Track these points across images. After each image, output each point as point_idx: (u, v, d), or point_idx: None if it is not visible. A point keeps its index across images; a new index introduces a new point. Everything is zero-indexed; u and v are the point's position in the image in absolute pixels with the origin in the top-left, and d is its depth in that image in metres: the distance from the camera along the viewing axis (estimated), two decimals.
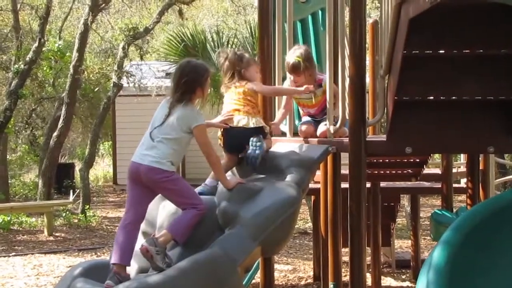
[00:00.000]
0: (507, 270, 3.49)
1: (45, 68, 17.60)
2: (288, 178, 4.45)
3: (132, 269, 4.35)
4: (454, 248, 3.40)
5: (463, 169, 8.11)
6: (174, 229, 4.22)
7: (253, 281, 7.87)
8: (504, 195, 3.91)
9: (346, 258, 6.37)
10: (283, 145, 5.14)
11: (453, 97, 4.09)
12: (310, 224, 13.49)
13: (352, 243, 4.64)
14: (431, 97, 4.12)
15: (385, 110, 4.62)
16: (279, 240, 4.31)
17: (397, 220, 10.09)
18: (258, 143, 4.61)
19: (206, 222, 4.27)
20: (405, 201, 11.43)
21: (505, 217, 3.59)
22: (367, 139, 4.48)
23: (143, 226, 4.55)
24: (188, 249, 4.14)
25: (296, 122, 5.81)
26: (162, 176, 4.27)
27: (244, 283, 6.34)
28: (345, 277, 6.76)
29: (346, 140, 4.56)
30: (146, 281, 3.92)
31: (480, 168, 6.51)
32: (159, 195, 4.51)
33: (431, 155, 7.30)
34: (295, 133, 5.54)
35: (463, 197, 8.24)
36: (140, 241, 4.54)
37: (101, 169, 23.18)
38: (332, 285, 6.00)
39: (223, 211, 4.26)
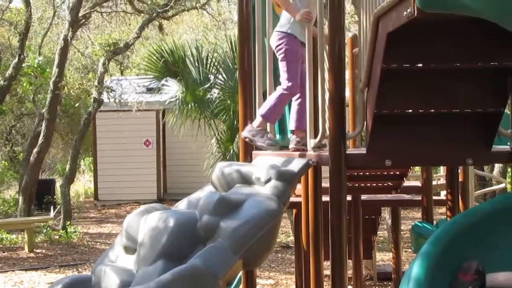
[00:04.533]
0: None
1: (25, 84, 17.55)
2: (269, 191, 4.47)
3: (113, 284, 4.34)
4: (434, 260, 3.43)
5: (443, 181, 8.17)
6: (262, 109, 4.95)
7: None
8: (483, 206, 3.95)
9: (328, 272, 6.35)
10: (263, 158, 5.16)
11: (432, 110, 4.14)
12: (292, 238, 13.50)
13: (333, 256, 4.66)
14: (410, 111, 4.17)
15: (365, 124, 4.66)
16: (260, 253, 4.31)
17: (378, 233, 10.14)
18: None
19: (187, 235, 4.27)
20: (386, 214, 11.49)
21: (484, 227, 3.63)
22: (347, 152, 4.51)
23: (124, 240, 4.55)
24: (170, 262, 4.13)
25: (277, 136, 5.83)
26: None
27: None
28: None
29: (326, 153, 4.59)
30: None
31: (460, 180, 6.56)
32: (140, 209, 4.56)
33: (411, 167, 7.36)
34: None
35: (443, 209, 8.32)
36: (121, 256, 4.54)
37: (82, 184, 23.07)
38: None
39: (204, 225, 4.26)
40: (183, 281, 3.92)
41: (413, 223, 5.82)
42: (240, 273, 6.84)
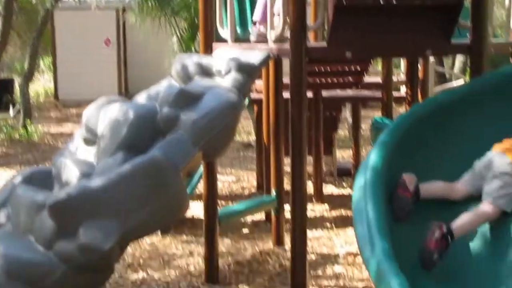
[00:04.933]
0: (443, 167, 3.59)
1: None
2: (229, 83, 4.45)
3: (73, 176, 4.34)
4: (391, 148, 3.48)
5: (403, 77, 8.22)
6: None
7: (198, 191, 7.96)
8: (441, 96, 3.99)
9: (288, 168, 6.47)
10: (223, 51, 5.11)
11: (393, 2, 4.12)
12: (254, 138, 13.59)
13: (293, 152, 4.71)
14: (370, 2, 4.14)
15: (326, 16, 4.63)
16: (220, 144, 4.33)
17: (339, 131, 10.25)
18: None
19: (147, 127, 4.27)
20: (346, 113, 11.57)
21: (441, 116, 3.67)
22: (308, 45, 4.49)
23: (83, 133, 4.53)
24: (130, 154, 4.14)
25: (238, 29, 5.76)
26: None
27: (188, 192, 6.40)
28: (288, 185, 6.86)
29: (287, 46, 4.56)
30: (87, 186, 3.94)
31: (420, 76, 6.61)
32: (99, 102, 4.53)
33: (371, 62, 7.38)
34: (236, 39, 5.50)
35: (403, 109, 8.38)
36: (81, 148, 4.53)
37: (42, 85, 22.74)
38: (274, 192, 6.11)
39: (164, 116, 4.24)
40: (143, 171, 3.94)
41: (373, 118, 5.87)
42: (201, 170, 6.90)
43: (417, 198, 3.40)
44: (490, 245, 3.30)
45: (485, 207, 3.31)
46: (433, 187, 3.48)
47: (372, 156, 3.48)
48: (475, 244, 3.32)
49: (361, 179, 3.40)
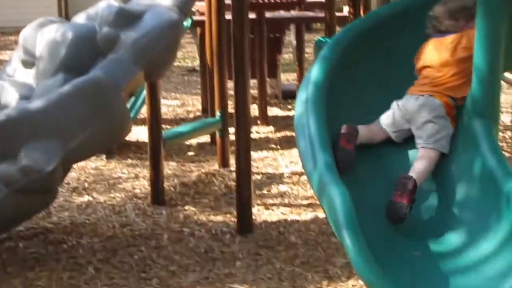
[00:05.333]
0: (385, 82, 3.61)
1: None
2: (169, 2, 4.37)
3: (12, 99, 4.26)
4: (332, 63, 3.48)
5: None
6: None
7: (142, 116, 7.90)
8: (382, 9, 3.98)
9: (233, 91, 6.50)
10: None
11: None
12: (198, 62, 13.49)
13: (237, 74, 4.69)
14: None
15: None
16: (162, 64, 4.30)
17: (283, 55, 10.24)
18: None
19: (87, 47, 4.19)
20: (291, 36, 11.53)
21: (383, 31, 3.67)
22: None
23: (21, 55, 4.43)
24: (70, 75, 4.07)
25: None
26: None
27: (132, 115, 6.37)
28: (233, 108, 6.86)
29: None
30: (27, 107, 3.87)
31: None
32: (36, 23, 4.42)
33: None
34: None
35: None
36: (19, 70, 4.43)
37: None
38: (219, 113, 6.11)
39: (104, 36, 4.16)
40: (84, 92, 3.89)
41: (316, 38, 5.87)
42: (144, 94, 6.84)
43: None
44: (433, 187, 3.31)
45: (428, 152, 3.26)
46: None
47: (313, 71, 3.48)
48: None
49: (303, 94, 3.41)
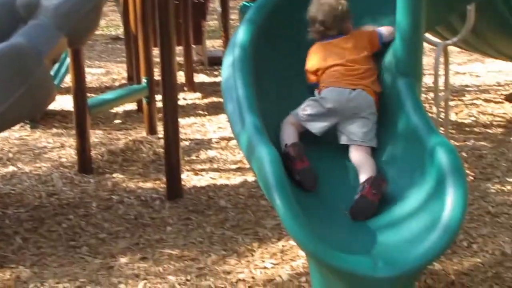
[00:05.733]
0: (302, 50, 3.62)
1: None
2: None
3: None
4: (258, 25, 3.48)
5: None
6: None
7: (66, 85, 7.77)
8: None
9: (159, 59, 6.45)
10: None
11: None
12: (121, 30, 13.30)
13: (162, 41, 4.64)
14: None
15: None
16: (85, 29, 4.21)
17: (208, 21, 10.18)
18: None
19: (5, 13, 4.07)
20: (215, 3, 11.47)
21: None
22: None
23: None
24: None
25: None
26: None
27: (56, 83, 6.25)
28: (159, 76, 6.81)
29: None
30: None
31: None
32: None
33: None
34: None
35: None
36: None
37: None
38: (145, 80, 6.06)
39: (23, 1, 4.05)
40: (5, 59, 3.76)
41: (241, 4, 5.86)
42: (68, 62, 6.71)
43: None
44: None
45: (367, 150, 3.20)
46: (287, 134, 3.28)
47: (239, 35, 3.47)
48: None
49: (229, 58, 3.40)
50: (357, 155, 3.19)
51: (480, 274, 3.34)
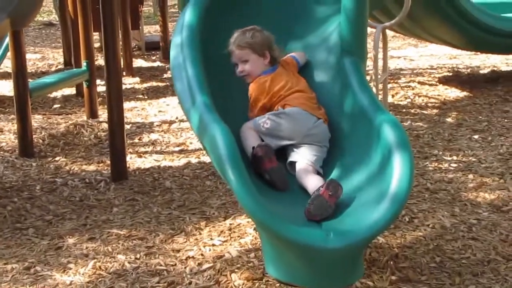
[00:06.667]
0: (261, 25, 3.67)
1: None
2: None
3: None
4: (205, 7, 3.52)
5: None
6: None
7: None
8: None
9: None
10: None
11: None
12: (55, 16, 13.11)
13: (105, 25, 4.61)
14: None
15: None
16: (28, 11, 4.19)
17: (144, 9, 10.14)
18: None
19: None
20: None
21: None
22: None
23: None
24: None
25: None
26: None
27: None
28: (96, 60, 6.78)
29: None
30: None
31: None
32: None
33: None
34: None
35: None
36: None
37: None
38: (85, 63, 6.02)
39: None
40: None
41: None
42: (3, 46, 6.63)
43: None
44: None
45: (314, 170, 3.19)
46: (251, 138, 3.31)
47: (186, 15, 3.51)
48: None
49: (178, 38, 3.44)
50: (305, 173, 3.16)
51: (422, 247, 3.46)
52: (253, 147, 3.18)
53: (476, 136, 5.30)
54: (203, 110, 2.98)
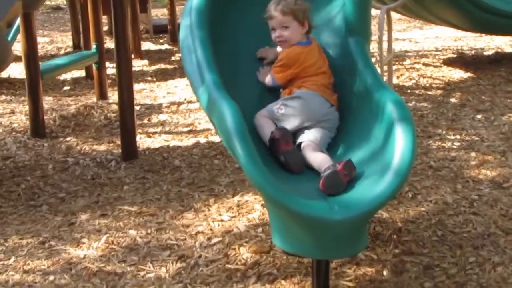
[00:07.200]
0: (265, 6, 3.76)
1: None
2: None
3: None
4: None
5: None
6: None
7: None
8: None
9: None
10: None
11: None
12: (63, 0, 13.20)
13: (115, 8, 4.68)
14: None
15: None
16: None
17: None
18: None
19: None
20: None
21: None
22: None
23: None
24: None
25: None
26: None
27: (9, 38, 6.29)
28: (105, 43, 6.86)
29: None
30: None
31: None
32: None
33: None
34: None
35: None
36: None
37: None
38: (94, 45, 6.11)
39: None
40: None
41: None
42: (14, 28, 6.72)
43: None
44: None
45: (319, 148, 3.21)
46: (268, 125, 3.28)
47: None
48: None
49: (187, 20, 3.51)
50: (310, 150, 3.17)
51: (424, 222, 3.56)
52: (272, 131, 3.19)
53: (479, 116, 5.39)
54: (212, 88, 3.06)
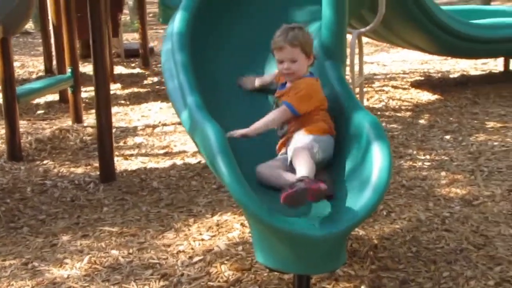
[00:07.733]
0: (245, 30, 3.88)
1: None
2: None
3: None
4: (194, 13, 3.71)
5: None
6: None
7: None
8: None
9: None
10: None
11: None
12: (31, 25, 13.23)
13: (93, 32, 4.74)
14: None
15: None
16: (19, 18, 4.34)
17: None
18: None
19: None
20: None
21: None
22: None
23: None
24: None
25: None
26: None
27: None
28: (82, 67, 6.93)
29: None
30: None
31: None
32: None
33: None
34: None
35: None
36: None
37: None
38: (70, 69, 6.17)
39: None
40: None
41: None
42: None
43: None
44: None
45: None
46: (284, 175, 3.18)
47: (176, 22, 3.69)
48: None
49: (168, 44, 3.63)
50: (300, 154, 3.10)
51: (399, 238, 3.68)
52: (299, 180, 2.93)
53: (447, 137, 5.55)
54: (194, 110, 3.16)
